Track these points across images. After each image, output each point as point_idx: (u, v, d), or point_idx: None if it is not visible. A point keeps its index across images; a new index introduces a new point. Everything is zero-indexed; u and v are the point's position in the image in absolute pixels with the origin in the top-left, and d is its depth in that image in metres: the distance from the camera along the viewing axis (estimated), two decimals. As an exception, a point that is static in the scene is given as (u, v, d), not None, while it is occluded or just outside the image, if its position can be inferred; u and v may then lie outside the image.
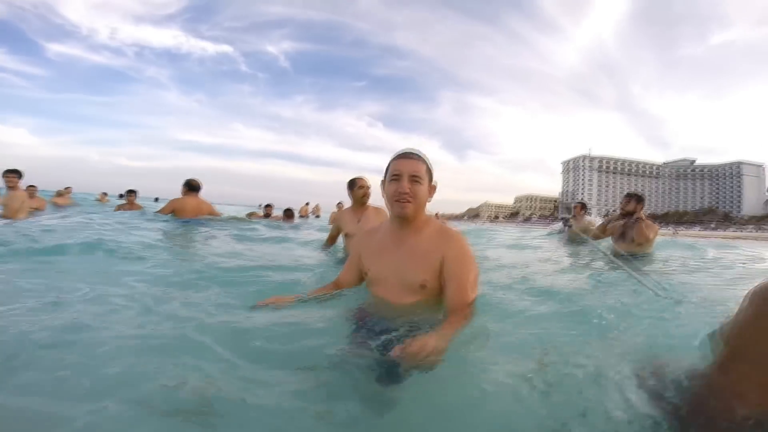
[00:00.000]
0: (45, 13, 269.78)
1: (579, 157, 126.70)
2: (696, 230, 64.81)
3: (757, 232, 55.31)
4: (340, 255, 3.79)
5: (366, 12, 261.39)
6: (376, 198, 3.46)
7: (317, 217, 16.92)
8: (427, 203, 1.64)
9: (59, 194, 11.79)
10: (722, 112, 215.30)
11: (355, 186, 3.48)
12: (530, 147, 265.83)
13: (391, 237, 1.65)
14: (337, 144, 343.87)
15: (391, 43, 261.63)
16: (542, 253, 5.50)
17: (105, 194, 17.08)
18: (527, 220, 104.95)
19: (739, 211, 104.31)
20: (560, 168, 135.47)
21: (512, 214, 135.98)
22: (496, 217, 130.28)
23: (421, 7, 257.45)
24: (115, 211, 7.68)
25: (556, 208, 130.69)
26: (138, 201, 8.28)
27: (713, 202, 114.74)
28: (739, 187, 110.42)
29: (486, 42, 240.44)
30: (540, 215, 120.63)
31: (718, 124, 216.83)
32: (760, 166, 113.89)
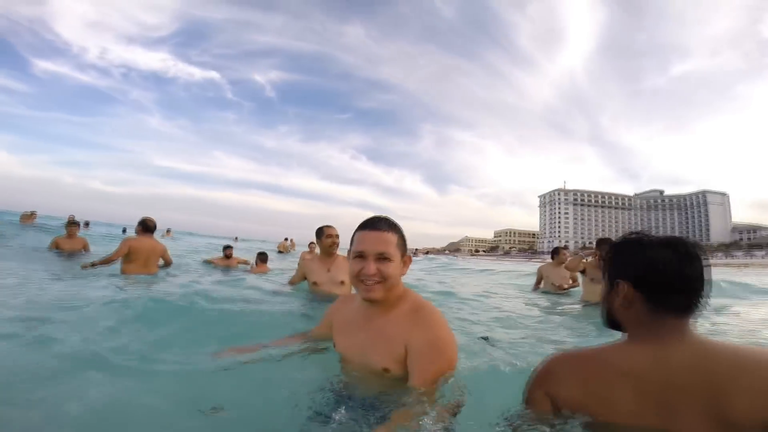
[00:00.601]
0: (38, 29, 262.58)
1: (554, 191, 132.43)
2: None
3: (726, 258, 57.15)
4: (305, 301, 3.54)
5: (353, 46, 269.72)
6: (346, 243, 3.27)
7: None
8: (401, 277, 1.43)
9: (24, 217, 11.41)
10: (684, 141, 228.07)
11: (323, 235, 3.37)
12: (508, 181, 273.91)
13: (361, 314, 1.47)
14: (320, 176, 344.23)
15: (377, 76, 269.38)
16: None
17: (33, 213, 12.58)
18: (506, 253, 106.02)
19: (707, 239, 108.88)
20: (537, 201, 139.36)
21: (492, 248, 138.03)
22: (477, 251, 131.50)
23: (405, 42, 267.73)
24: (49, 248, 6.78)
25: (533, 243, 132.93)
26: (96, 230, 8.01)
27: (683, 231, 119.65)
28: (706, 215, 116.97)
29: (466, 76, 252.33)
30: (519, 249, 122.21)
31: (682, 153, 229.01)
32: (724, 195, 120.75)
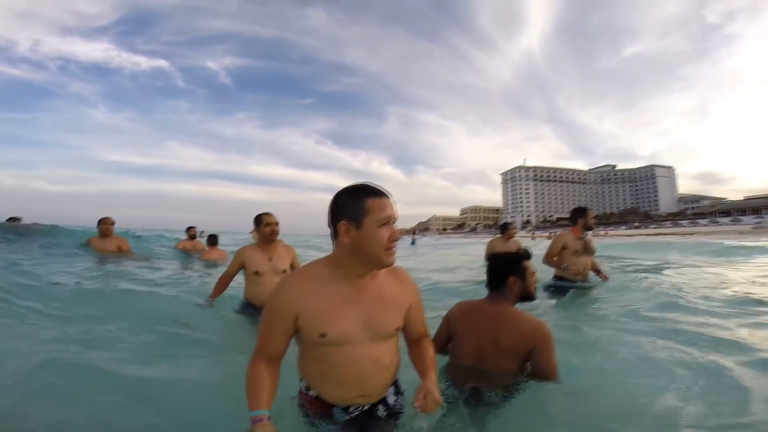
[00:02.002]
0: None
1: (516, 168, 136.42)
2: (622, 230, 71.33)
3: (674, 227, 61.46)
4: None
5: (315, 29, 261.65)
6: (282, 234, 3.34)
7: None
8: None
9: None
10: (634, 119, 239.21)
11: (262, 223, 3.23)
12: (472, 160, 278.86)
13: (348, 287, 1.37)
14: (283, 163, 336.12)
15: (340, 59, 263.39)
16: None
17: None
18: (473, 230, 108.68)
19: (657, 210, 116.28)
20: (500, 179, 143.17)
21: (459, 226, 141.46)
22: (444, 229, 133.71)
23: (369, 24, 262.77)
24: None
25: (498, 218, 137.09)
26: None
27: (634, 203, 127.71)
28: (655, 187, 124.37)
29: (430, 58, 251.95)
30: (485, 225, 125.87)
31: (632, 130, 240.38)
32: (670, 168, 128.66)
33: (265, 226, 3.21)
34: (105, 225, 6.12)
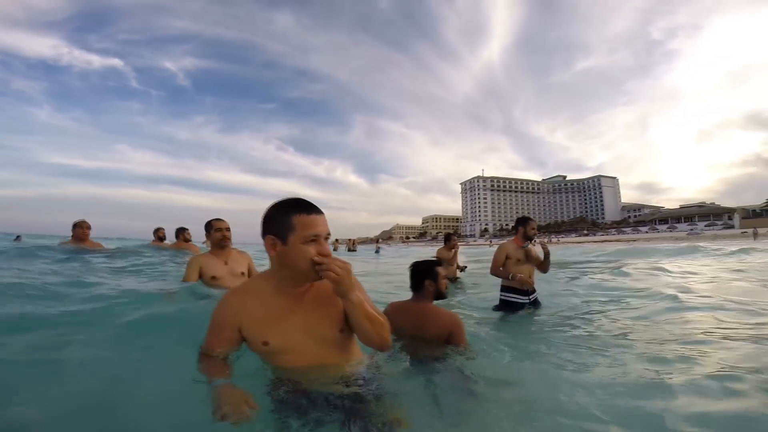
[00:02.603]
0: None
1: (474, 178, 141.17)
2: (573, 237, 75.69)
3: (618, 234, 65.92)
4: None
5: (282, 33, 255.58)
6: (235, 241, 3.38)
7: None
8: None
9: None
10: (583, 131, 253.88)
11: (212, 228, 3.25)
12: (434, 169, 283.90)
13: (285, 298, 1.42)
14: (242, 169, 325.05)
15: (306, 65, 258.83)
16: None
17: (20, 237, 14.82)
18: (434, 238, 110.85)
19: (603, 218, 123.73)
20: (459, 188, 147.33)
21: (421, 234, 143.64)
22: (408, 238, 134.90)
23: (338, 31, 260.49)
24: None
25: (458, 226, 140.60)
26: None
27: (583, 212, 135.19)
28: (601, 197, 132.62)
29: (395, 67, 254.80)
30: (445, 233, 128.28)
31: (581, 142, 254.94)
32: (614, 179, 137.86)
33: (215, 231, 3.22)
34: (81, 229, 5.58)
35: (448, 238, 6.79)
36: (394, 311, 2.34)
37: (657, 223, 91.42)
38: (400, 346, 2.09)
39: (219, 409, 1.18)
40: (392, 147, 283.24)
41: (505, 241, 4.47)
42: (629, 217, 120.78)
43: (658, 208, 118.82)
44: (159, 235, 7.54)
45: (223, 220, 3.30)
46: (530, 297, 4.11)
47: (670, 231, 69.42)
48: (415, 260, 2.43)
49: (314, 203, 1.37)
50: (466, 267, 7.00)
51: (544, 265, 4.21)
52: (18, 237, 17.36)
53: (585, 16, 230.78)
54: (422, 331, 2.21)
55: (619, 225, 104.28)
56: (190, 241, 6.97)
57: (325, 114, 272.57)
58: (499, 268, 4.17)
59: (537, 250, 4.30)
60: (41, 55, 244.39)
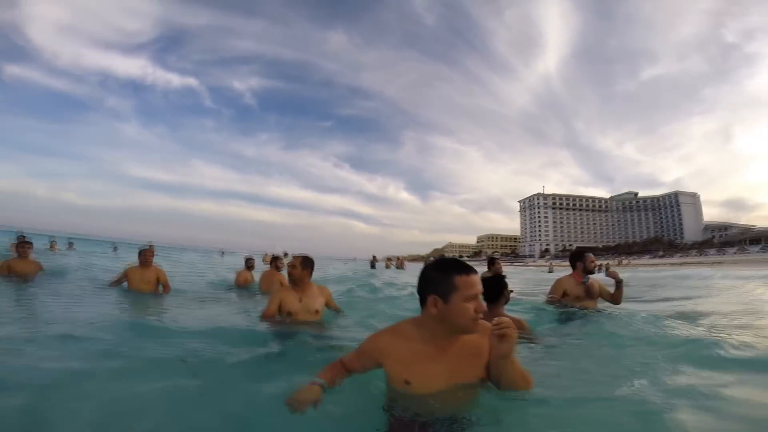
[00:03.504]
0: (9, 33, 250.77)
1: (534, 196, 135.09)
2: (646, 258, 69.12)
3: (701, 256, 59.18)
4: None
5: (335, 52, 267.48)
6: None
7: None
8: None
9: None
10: (656, 144, 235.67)
11: (287, 266, 3.43)
12: (489, 186, 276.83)
13: (433, 347, 1.58)
14: (301, 185, 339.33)
15: (358, 83, 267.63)
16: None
17: (55, 242, 15.48)
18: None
19: (681, 238, 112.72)
20: (518, 206, 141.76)
21: (476, 253, 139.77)
22: (461, 257, 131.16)
23: (387, 48, 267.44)
24: None
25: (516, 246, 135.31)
26: (82, 249, 7.12)
27: (658, 232, 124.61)
28: (679, 215, 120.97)
29: (445, 83, 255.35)
30: (502, 253, 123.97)
31: (654, 156, 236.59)
32: (695, 195, 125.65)
33: (292, 267, 3.38)
34: (145, 256, 5.49)
35: (492, 262, 6.56)
36: None
37: (747, 243, 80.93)
38: None
39: (291, 395, 1.55)
40: (444, 163, 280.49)
41: (563, 276, 4.28)
42: (713, 237, 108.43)
43: (748, 228, 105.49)
44: (278, 264, 6.65)
45: (296, 257, 3.42)
46: None
47: (764, 252, 60.98)
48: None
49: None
50: (512, 291, 6.09)
51: (615, 296, 3.94)
52: (71, 243, 18.54)
53: (647, 23, 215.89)
54: None
55: (701, 246, 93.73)
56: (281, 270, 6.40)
57: (376, 131, 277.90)
58: (555, 301, 4.05)
59: (600, 282, 4.05)
60: (131, 75, 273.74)
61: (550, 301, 4.10)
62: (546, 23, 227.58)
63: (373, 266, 19.34)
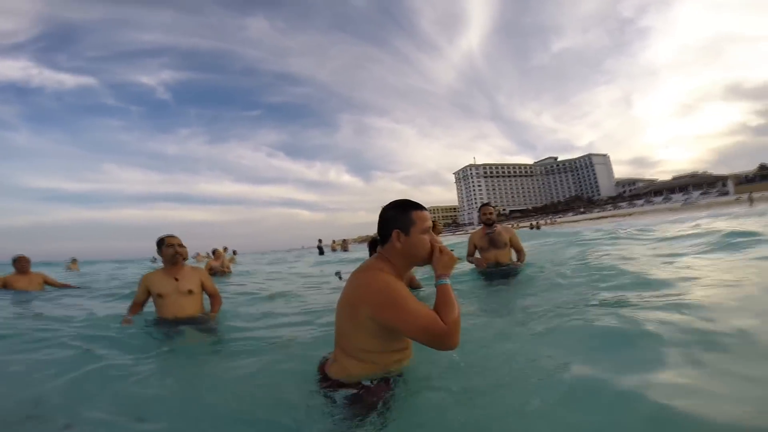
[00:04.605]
0: None
1: (467, 167, 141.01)
2: (570, 216, 75.81)
3: (615, 210, 65.96)
4: None
5: (256, 39, 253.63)
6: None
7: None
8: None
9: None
10: (569, 112, 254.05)
11: (164, 245, 3.16)
12: (425, 161, 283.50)
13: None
14: (233, 179, 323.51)
15: (285, 69, 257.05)
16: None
17: (75, 261, 15.60)
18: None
19: (598, 194, 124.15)
20: (453, 178, 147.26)
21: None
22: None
23: (314, 32, 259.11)
24: None
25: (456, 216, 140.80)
26: None
27: (578, 191, 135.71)
28: (594, 175, 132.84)
29: (376, 63, 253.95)
30: (444, 224, 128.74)
31: (568, 123, 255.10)
32: (605, 156, 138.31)
33: (167, 247, 3.15)
34: (20, 263, 5.59)
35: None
36: None
37: (653, 195, 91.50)
38: None
39: None
40: (382, 143, 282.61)
41: (472, 231, 4.51)
42: (624, 192, 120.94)
43: (652, 181, 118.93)
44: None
45: (175, 236, 3.22)
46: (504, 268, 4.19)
47: (666, 202, 69.51)
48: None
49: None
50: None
51: (519, 258, 4.34)
52: (74, 261, 17.07)
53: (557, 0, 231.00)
54: None
55: (614, 200, 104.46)
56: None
57: (311, 116, 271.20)
58: (468, 257, 4.36)
59: (512, 232, 4.37)
60: (10, 78, 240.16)
61: (469, 260, 4.38)
62: (468, 1, 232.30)
63: (321, 252, 18.40)
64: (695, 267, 3.95)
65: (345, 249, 23.51)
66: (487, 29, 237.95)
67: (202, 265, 8.02)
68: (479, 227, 4.41)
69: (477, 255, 4.37)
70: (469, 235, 4.68)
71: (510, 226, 4.50)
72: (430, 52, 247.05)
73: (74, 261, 15.47)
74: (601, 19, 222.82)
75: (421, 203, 1.63)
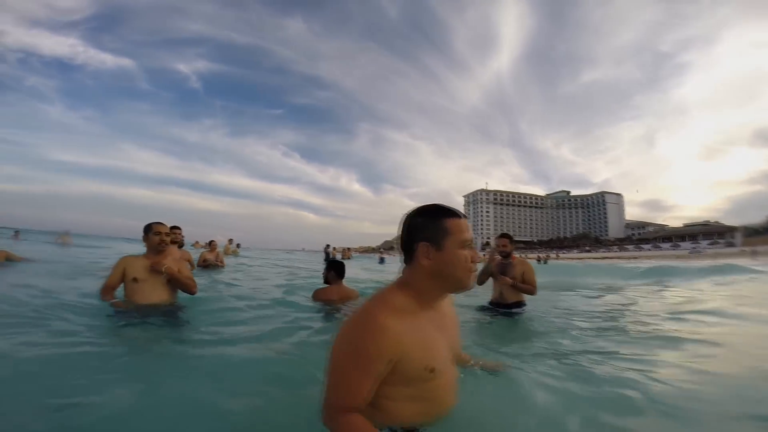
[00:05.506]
0: None
1: (478, 191, 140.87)
2: (575, 252, 75.30)
3: (620, 251, 65.28)
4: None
5: (293, 39, 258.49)
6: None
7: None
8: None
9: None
10: (588, 146, 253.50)
11: (151, 231, 3.13)
12: (437, 180, 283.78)
13: (434, 313, 1.28)
14: (247, 173, 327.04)
15: (314, 72, 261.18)
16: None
17: (67, 234, 15.59)
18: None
19: (606, 234, 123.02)
20: (463, 201, 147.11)
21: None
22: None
23: (347, 39, 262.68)
24: None
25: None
26: None
27: (586, 228, 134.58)
28: (605, 214, 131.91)
29: (402, 77, 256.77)
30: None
31: (587, 157, 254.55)
32: (619, 195, 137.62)
33: (154, 234, 3.11)
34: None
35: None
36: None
37: (661, 241, 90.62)
38: None
39: None
40: (397, 157, 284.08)
41: (485, 255, 4.40)
42: (633, 234, 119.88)
43: (662, 226, 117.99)
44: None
45: (163, 224, 3.19)
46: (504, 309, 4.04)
47: (674, 249, 68.72)
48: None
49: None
50: None
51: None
52: (17, 232, 17.41)
53: (593, 28, 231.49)
54: None
55: (622, 242, 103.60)
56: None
57: (330, 122, 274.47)
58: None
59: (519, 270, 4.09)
60: (57, 54, 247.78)
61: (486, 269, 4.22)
62: (503, 23, 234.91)
63: (327, 257, 17.86)
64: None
65: (347, 257, 23.59)
66: (518, 53, 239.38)
67: (197, 254, 8.09)
68: (487, 252, 4.33)
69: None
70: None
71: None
72: (457, 71, 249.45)
73: (66, 234, 15.53)
74: (636, 51, 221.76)
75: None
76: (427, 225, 1.23)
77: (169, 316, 2.99)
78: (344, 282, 3.91)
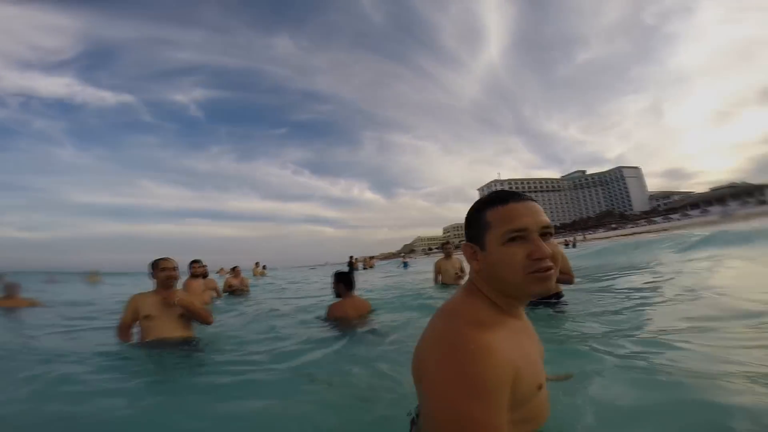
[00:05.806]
0: None
1: (491, 182, 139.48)
2: (601, 232, 73.32)
3: (649, 224, 63.40)
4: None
5: (282, 58, 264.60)
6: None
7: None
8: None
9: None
10: (597, 123, 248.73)
11: (158, 268, 3.08)
12: (449, 177, 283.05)
13: (521, 323, 1.04)
14: (261, 196, 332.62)
15: (311, 87, 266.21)
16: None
17: (96, 273, 15.98)
18: (457, 247, 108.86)
19: (630, 209, 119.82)
20: (477, 195, 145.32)
21: (443, 244, 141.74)
22: (430, 249, 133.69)
23: (337, 50, 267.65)
24: None
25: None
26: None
27: (608, 205, 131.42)
28: (626, 188, 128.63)
29: (398, 80, 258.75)
30: (441, 243, 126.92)
31: (596, 135, 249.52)
32: (637, 168, 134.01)
33: (161, 271, 3.08)
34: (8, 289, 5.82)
35: (442, 247, 6.71)
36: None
37: (689, 208, 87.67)
38: None
39: None
40: (405, 160, 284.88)
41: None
42: (658, 205, 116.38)
43: (688, 194, 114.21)
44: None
45: (170, 260, 3.15)
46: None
47: (703, 215, 66.34)
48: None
49: (516, 192, 0.99)
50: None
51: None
52: (51, 276, 17.98)
53: (576, 10, 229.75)
54: None
55: (648, 215, 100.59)
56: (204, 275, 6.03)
57: (335, 134, 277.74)
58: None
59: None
60: (56, 94, 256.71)
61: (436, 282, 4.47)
62: (486, 14, 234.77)
63: (351, 269, 17.25)
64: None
65: (369, 266, 23.50)
66: (506, 42, 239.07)
67: (222, 281, 8.04)
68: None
69: None
70: None
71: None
72: (451, 67, 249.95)
73: (94, 273, 15.80)
74: (623, 27, 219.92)
75: (513, 192, 0.99)
76: (470, 221, 1.01)
77: (187, 350, 2.93)
78: (356, 293, 3.83)
